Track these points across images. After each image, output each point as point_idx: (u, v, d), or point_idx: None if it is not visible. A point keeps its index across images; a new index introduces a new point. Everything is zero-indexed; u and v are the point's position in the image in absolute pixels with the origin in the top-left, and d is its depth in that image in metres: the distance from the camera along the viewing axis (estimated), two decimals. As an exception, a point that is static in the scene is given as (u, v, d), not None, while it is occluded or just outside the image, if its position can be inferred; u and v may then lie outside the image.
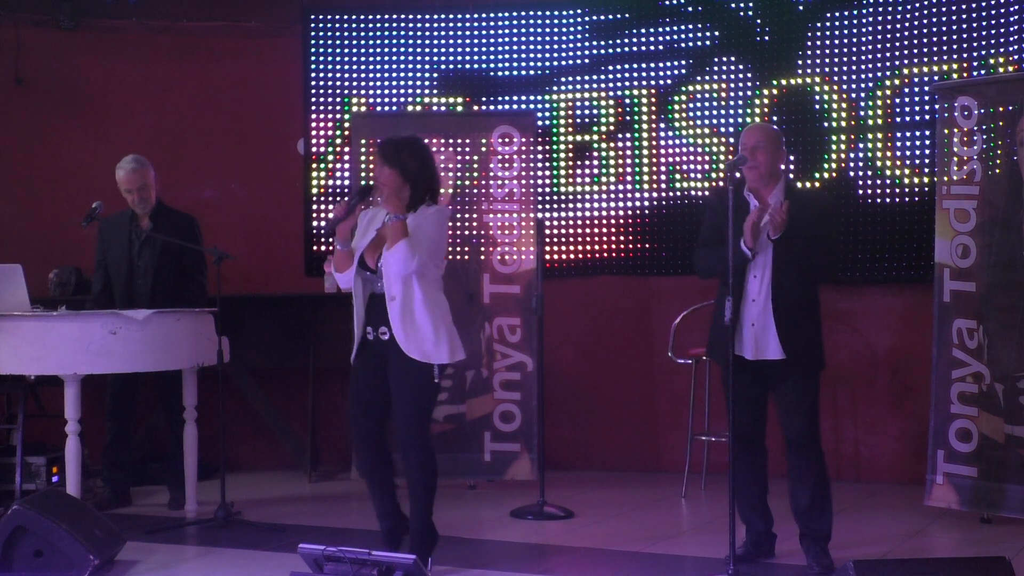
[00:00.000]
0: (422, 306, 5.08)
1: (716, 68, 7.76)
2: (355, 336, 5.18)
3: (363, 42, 8.24)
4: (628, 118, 7.94)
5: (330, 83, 8.22)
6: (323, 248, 8.07)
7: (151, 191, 6.78)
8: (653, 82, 7.90)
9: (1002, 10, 6.92)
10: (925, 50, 7.19)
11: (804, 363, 5.20)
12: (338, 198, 4.98)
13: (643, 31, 7.91)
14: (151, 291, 6.68)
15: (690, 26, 7.82)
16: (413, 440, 5.15)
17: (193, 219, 6.91)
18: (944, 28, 7.12)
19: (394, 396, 5.14)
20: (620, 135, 7.96)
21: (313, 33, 8.24)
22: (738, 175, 5.25)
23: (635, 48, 7.93)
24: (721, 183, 7.63)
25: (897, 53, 7.29)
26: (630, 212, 7.95)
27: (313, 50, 8.24)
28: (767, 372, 5.24)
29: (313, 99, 8.22)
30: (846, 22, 7.45)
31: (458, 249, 7.29)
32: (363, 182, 5.26)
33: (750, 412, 5.28)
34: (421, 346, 5.06)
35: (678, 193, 7.84)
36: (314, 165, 8.19)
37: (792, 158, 7.48)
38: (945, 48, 7.11)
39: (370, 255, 5.13)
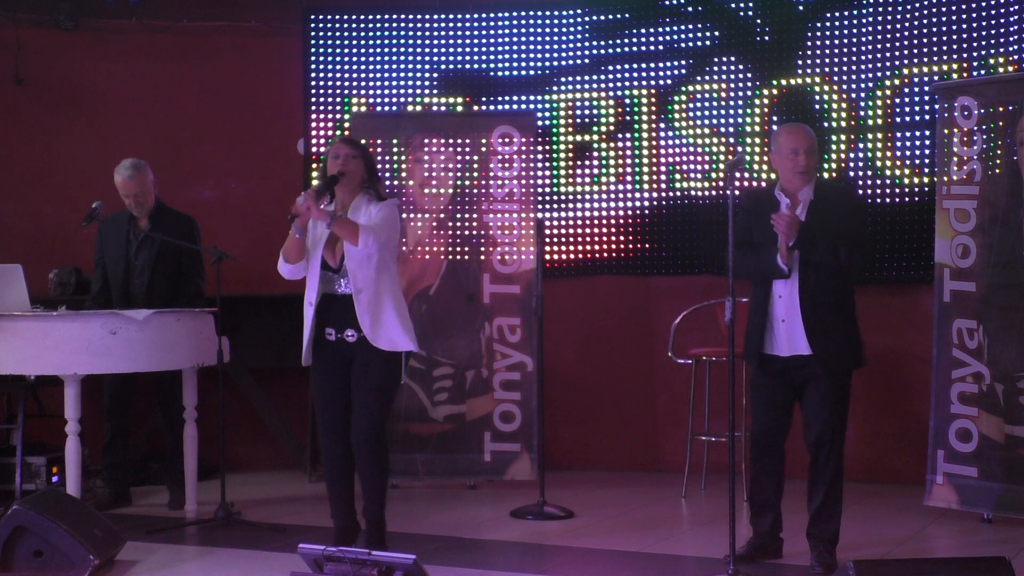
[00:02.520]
0: (387, 299, 5.16)
1: (716, 68, 7.76)
2: (305, 336, 5.19)
3: (363, 42, 8.23)
4: (628, 118, 7.94)
5: (330, 83, 8.22)
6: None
7: (149, 195, 6.74)
8: (653, 82, 7.90)
9: (1002, 10, 6.92)
10: (925, 50, 7.19)
11: (831, 362, 5.16)
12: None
13: (643, 31, 7.91)
14: (147, 291, 6.67)
15: (690, 26, 7.82)
16: (375, 436, 5.22)
17: (192, 220, 6.90)
18: (944, 28, 7.12)
19: (359, 390, 5.19)
20: (620, 135, 7.95)
21: (313, 33, 8.24)
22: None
23: (635, 48, 7.93)
24: (722, 183, 7.64)
25: (897, 53, 7.29)
26: (630, 212, 7.94)
27: (313, 50, 8.23)
28: (795, 373, 5.21)
29: (313, 99, 8.22)
30: (846, 22, 7.44)
31: (458, 249, 7.29)
32: (328, 173, 5.30)
33: (773, 416, 5.27)
34: (389, 337, 5.14)
35: (678, 193, 7.84)
36: (314, 165, 8.18)
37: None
38: (945, 48, 7.11)
39: (329, 254, 5.15)
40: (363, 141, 7.27)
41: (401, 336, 5.19)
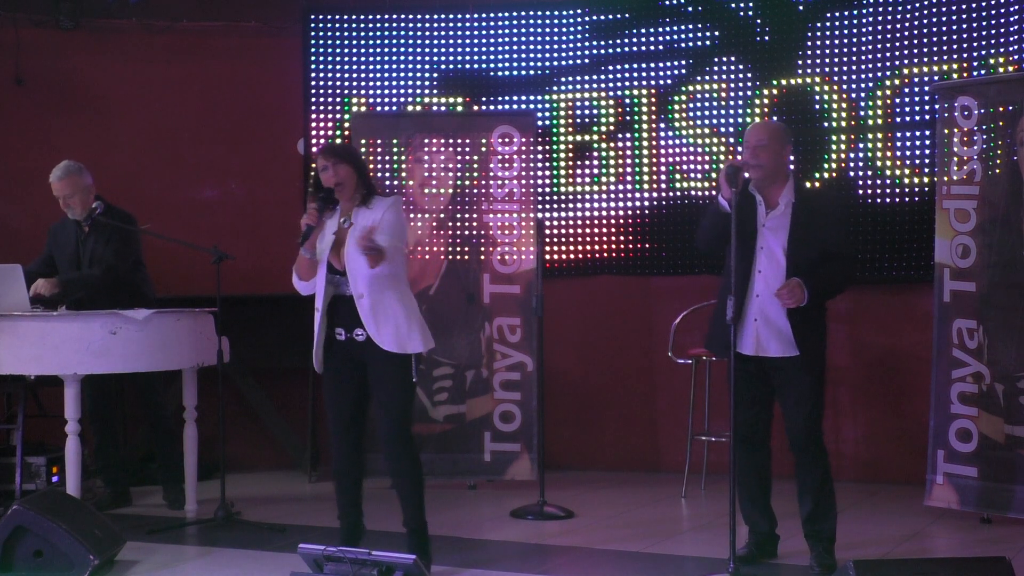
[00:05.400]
0: (391, 300, 5.11)
1: (716, 68, 7.76)
2: (317, 339, 5.16)
3: (363, 42, 8.24)
4: (628, 118, 7.94)
5: (330, 83, 8.22)
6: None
7: (79, 198, 6.63)
8: (653, 82, 7.90)
9: (1002, 10, 6.92)
10: (925, 50, 7.19)
11: (807, 363, 5.15)
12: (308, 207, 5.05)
13: (643, 31, 7.91)
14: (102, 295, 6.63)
15: (690, 26, 7.82)
16: (402, 440, 5.17)
17: (131, 217, 6.79)
18: (944, 28, 7.12)
19: (378, 397, 5.17)
20: (620, 135, 7.95)
21: (313, 33, 8.24)
22: (747, 175, 5.20)
23: (635, 48, 7.93)
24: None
25: (897, 53, 7.29)
26: (630, 212, 7.95)
27: (313, 50, 8.24)
28: (770, 371, 5.21)
29: (313, 99, 8.22)
30: (846, 22, 7.45)
31: (458, 249, 7.29)
32: (318, 188, 5.30)
33: (752, 412, 5.26)
34: (395, 338, 5.09)
35: (678, 193, 7.84)
36: (314, 165, 8.15)
37: (792, 158, 7.48)
38: (945, 48, 7.11)
39: (335, 258, 5.15)
40: (363, 140, 7.35)
41: (407, 336, 5.13)
